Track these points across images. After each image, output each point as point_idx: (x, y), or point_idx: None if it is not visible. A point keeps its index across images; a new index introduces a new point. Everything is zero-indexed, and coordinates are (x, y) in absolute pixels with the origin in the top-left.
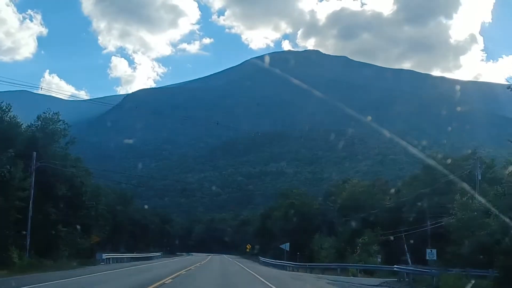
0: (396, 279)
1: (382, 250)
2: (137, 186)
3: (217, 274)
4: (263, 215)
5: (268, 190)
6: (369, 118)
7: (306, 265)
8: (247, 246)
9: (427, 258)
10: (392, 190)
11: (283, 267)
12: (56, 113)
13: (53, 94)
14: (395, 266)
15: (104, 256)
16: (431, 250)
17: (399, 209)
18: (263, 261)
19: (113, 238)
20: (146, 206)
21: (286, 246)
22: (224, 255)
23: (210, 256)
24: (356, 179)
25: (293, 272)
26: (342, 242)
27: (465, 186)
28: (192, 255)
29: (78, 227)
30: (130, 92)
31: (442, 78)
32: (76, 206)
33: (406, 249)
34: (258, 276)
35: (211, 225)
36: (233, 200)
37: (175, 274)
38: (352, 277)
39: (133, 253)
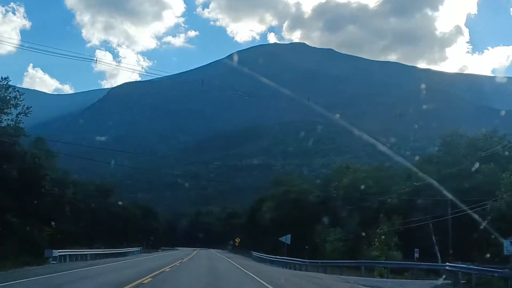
0: (449, 281)
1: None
2: (122, 179)
3: (203, 278)
4: (253, 206)
5: (255, 183)
6: (337, 116)
7: (318, 262)
8: (236, 240)
9: (506, 252)
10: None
11: (285, 265)
12: (5, 78)
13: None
14: (447, 264)
15: (57, 253)
16: (511, 242)
17: (414, 194)
18: (257, 257)
19: (91, 232)
20: (120, 203)
21: (286, 239)
22: (212, 250)
23: (196, 251)
24: (358, 164)
25: (302, 272)
26: (350, 234)
27: None
28: (177, 249)
29: (54, 224)
30: (114, 85)
31: (428, 70)
32: (33, 192)
33: (434, 240)
34: (262, 281)
35: (197, 219)
36: (219, 193)
37: (134, 283)
38: (382, 279)
39: (110, 248)
